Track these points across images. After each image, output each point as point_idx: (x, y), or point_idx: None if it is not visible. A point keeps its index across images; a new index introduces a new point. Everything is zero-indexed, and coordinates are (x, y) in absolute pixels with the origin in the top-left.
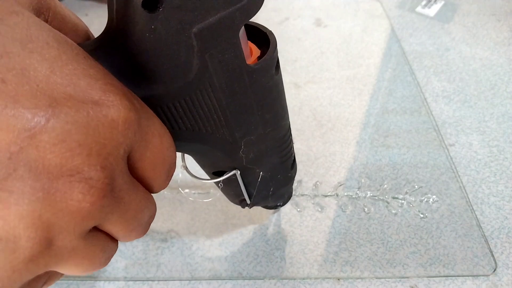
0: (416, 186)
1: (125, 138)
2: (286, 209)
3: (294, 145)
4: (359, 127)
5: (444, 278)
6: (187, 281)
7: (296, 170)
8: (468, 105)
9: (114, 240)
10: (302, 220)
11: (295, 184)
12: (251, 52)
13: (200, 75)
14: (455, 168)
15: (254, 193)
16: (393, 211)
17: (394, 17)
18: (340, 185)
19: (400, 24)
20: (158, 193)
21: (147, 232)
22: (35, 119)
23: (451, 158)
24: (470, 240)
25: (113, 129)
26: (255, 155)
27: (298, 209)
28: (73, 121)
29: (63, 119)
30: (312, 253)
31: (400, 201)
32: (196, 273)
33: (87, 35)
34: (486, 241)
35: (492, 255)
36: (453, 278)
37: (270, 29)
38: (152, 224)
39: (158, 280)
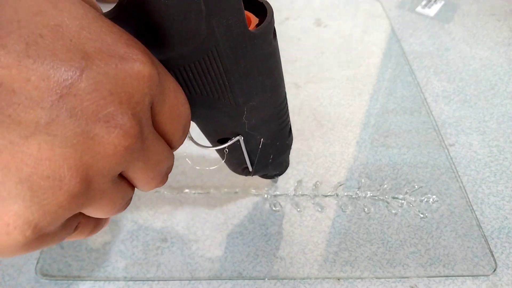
0: (416, 186)
1: (149, 89)
2: (286, 209)
3: (294, 144)
4: (359, 127)
5: (444, 278)
6: (187, 281)
7: (292, 139)
8: (468, 105)
9: (133, 188)
10: (302, 220)
11: (295, 184)
12: (249, 20)
13: (207, 39)
14: (455, 168)
15: (256, 160)
16: (393, 211)
17: (394, 17)
18: (340, 185)
19: (400, 24)
20: (158, 193)
21: (147, 232)
22: (72, 70)
23: (451, 158)
24: (470, 240)
25: (139, 80)
26: (256, 121)
27: (298, 209)
28: (103, 72)
29: (95, 70)
30: (312, 253)
31: (400, 201)
32: (196, 273)
33: (97, 8)
34: (486, 241)
35: (492, 255)
36: (453, 278)
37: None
38: (152, 224)
39: (158, 280)
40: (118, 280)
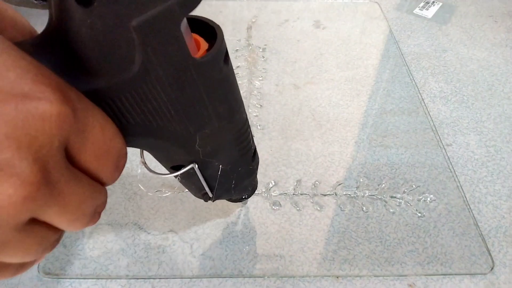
0: (413, 186)
1: (59, 129)
2: (286, 208)
3: (294, 144)
4: (357, 127)
5: (442, 276)
6: (188, 279)
7: (258, 162)
8: (465, 105)
9: (56, 230)
10: (301, 219)
11: (294, 183)
12: (198, 45)
13: (144, 68)
14: (453, 167)
15: (216, 186)
16: (391, 210)
17: (392, 18)
18: (339, 185)
19: (398, 25)
20: (160, 192)
21: (149, 231)
22: None
23: (449, 158)
24: (468, 239)
25: (44, 121)
26: (212, 148)
27: (298, 208)
28: (0, 114)
29: None
30: (311, 251)
31: (398, 200)
32: (197, 271)
33: (28, 31)
34: (483, 240)
35: (490, 254)
36: (451, 276)
37: (218, 24)
38: (153, 223)
39: (160, 278)
40: (120, 278)
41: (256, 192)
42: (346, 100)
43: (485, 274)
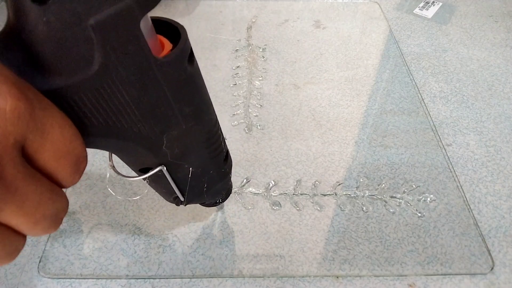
0: (413, 186)
1: (15, 127)
2: (286, 208)
3: (294, 144)
4: (357, 127)
5: (442, 276)
6: (188, 279)
7: (231, 165)
8: (465, 105)
9: (19, 234)
10: (301, 219)
11: (294, 183)
12: (162, 46)
13: (104, 68)
14: (453, 167)
15: (187, 190)
16: (391, 210)
17: (392, 18)
18: (339, 184)
19: (398, 25)
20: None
21: (149, 231)
22: None
23: (449, 158)
24: (468, 239)
25: None
26: (180, 151)
27: (298, 208)
28: None
29: None
30: (311, 251)
31: (398, 200)
32: (197, 271)
33: None
34: (484, 240)
35: (490, 254)
36: (451, 276)
37: (182, 24)
38: (153, 223)
39: (160, 278)
40: (120, 278)
41: (256, 192)
42: (346, 100)
43: (485, 274)
